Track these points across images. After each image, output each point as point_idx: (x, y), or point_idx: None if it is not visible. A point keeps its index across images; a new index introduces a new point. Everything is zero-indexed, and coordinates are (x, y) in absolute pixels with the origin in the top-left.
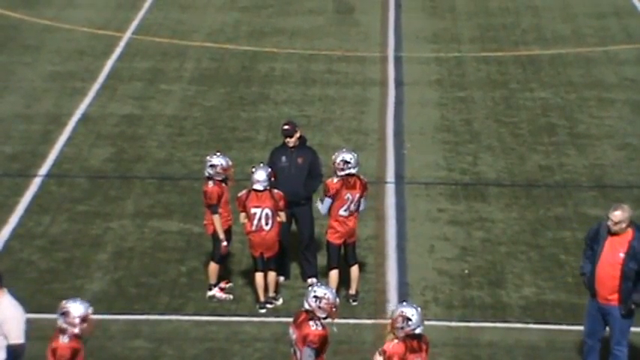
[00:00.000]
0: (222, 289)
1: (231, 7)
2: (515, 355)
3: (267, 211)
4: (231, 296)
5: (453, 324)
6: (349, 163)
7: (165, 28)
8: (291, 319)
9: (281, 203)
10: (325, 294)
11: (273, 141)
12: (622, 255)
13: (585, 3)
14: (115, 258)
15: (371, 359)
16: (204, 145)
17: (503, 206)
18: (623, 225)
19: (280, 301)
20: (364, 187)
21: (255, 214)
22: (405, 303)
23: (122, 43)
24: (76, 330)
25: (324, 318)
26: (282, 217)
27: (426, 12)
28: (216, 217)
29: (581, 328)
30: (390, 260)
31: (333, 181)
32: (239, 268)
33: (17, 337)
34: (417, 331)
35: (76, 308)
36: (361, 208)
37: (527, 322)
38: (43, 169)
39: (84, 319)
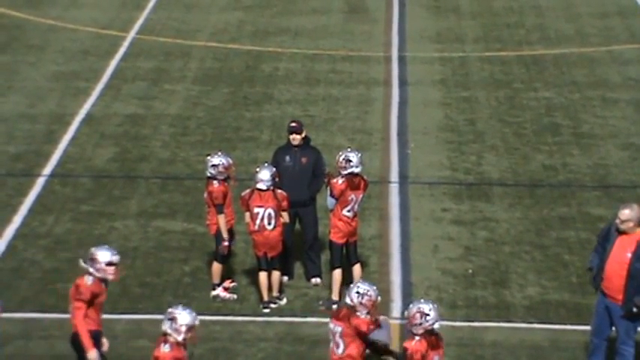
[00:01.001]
0: (226, 289)
1: (234, 6)
2: (518, 355)
3: (270, 210)
4: (235, 296)
5: (457, 324)
6: (351, 161)
7: (169, 28)
8: (295, 319)
9: (284, 203)
10: (367, 290)
11: (277, 141)
12: (629, 254)
13: (589, 3)
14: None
15: (378, 358)
16: (207, 145)
17: (507, 206)
18: (631, 224)
19: (284, 301)
20: (366, 187)
21: (257, 213)
22: (421, 300)
23: (126, 43)
24: (180, 338)
25: (366, 314)
26: (285, 217)
27: (430, 12)
28: (221, 217)
29: (585, 328)
30: (393, 260)
31: (338, 182)
32: (243, 268)
33: None
34: (436, 326)
35: (185, 317)
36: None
37: (531, 322)
38: (47, 169)
39: (190, 328)
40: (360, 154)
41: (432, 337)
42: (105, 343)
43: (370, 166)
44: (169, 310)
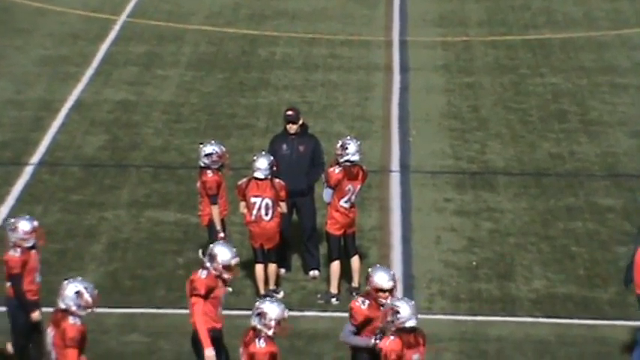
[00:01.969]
0: None
1: None
2: (524, 350)
3: (268, 200)
4: (230, 289)
5: (460, 318)
6: (347, 148)
7: (162, 11)
8: (292, 313)
9: (282, 193)
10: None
11: (273, 128)
12: None
13: None
14: (110, 249)
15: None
16: (201, 133)
17: (512, 196)
18: None
19: (281, 295)
20: (365, 177)
21: (254, 203)
22: (398, 297)
23: (117, 27)
24: (270, 332)
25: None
26: (282, 207)
27: None
28: (215, 208)
29: (593, 322)
30: (394, 252)
31: (335, 171)
32: (238, 260)
33: None
34: (408, 324)
35: (273, 310)
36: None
37: (537, 316)
38: (35, 158)
39: (280, 321)
40: (359, 142)
41: (410, 336)
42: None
43: (370, 154)
44: (256, 304)
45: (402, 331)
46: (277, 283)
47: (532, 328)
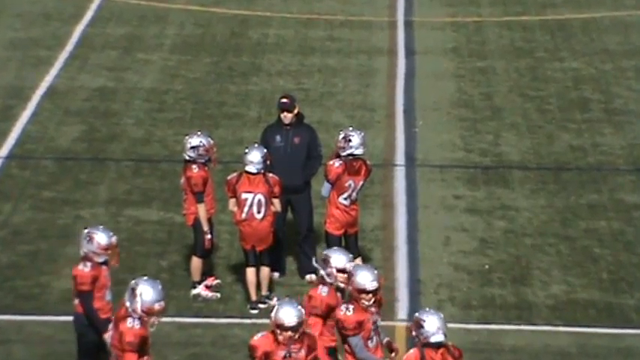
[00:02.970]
0: (208, 287)
1: None
2: None
3: (260, 197)
4: (218, 295)
5: (472, 326)
6: (351, 141)
7: None
8: None
9: (276, 189)
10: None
11: (266, 118)
12: None
13: None
14: None
15: None
16: (187, 123)
17: (529, 192)
18: None
19: (274, 301)
20: (368, 173)
21: (245, 200)
22: (427, 309)
23: (94, 6)
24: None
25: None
26: (276, 205)
27: None
28: (201, 206)
29: (617, 331)
30: (399, 254)
31: (335, 165)
32: (227, 263)
33: None
34: (434, 339)
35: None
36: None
37: (556, 325)
38: (4, 150)
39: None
40: (362, 134)
41: (436, 353)
42: None
43: (373, 146)
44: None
45: (427, 347)
46: (270, 289)
47: (550, 338)
